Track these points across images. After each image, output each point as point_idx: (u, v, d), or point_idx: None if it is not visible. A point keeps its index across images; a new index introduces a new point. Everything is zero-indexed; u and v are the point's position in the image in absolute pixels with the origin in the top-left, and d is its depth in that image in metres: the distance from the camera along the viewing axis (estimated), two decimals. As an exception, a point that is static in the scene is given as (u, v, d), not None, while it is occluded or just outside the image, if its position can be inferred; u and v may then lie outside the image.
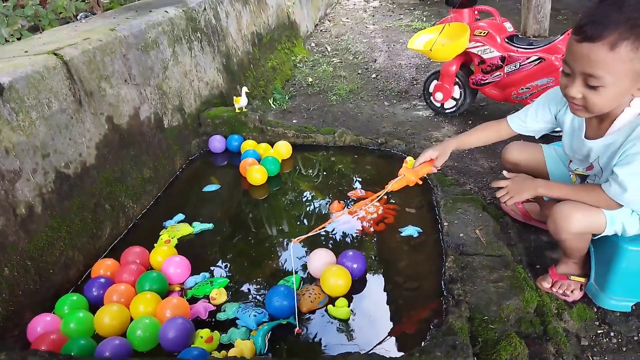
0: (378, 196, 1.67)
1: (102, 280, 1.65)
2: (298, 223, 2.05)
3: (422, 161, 1.66)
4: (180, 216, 2.09)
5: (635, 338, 1.50)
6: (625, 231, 1.45)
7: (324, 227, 1.66)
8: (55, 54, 1.78)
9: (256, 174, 2.30)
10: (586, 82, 1.20)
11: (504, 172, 1.57)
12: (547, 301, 1.57)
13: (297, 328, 1.48)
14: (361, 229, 1.96)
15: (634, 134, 1.26)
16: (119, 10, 2.74)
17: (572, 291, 1.63)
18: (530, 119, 1.61)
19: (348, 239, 1.92)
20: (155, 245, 1.89)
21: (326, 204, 2.14)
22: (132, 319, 1.51)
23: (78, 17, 3.12)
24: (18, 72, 1.60)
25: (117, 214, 1.98)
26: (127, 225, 2.03)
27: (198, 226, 2.01)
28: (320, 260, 1.68)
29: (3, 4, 2.23)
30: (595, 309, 1.60)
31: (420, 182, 1.67)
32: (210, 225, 2.02)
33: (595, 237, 1.53)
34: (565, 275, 1.65)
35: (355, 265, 1.66)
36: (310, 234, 1.62)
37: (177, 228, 1.99)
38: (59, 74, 1.75)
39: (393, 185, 1.65)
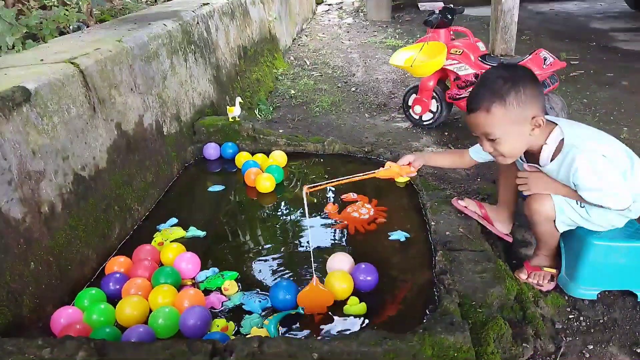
0: (366, 175, 1.89)
1: (118, 275, 1.75)
2: (299, 224, 2.20)
3: (402, 164, 1.97)
4: (174, 220, 2.18)
5: (601, 321, 1.72)
6: (572, 220, 1.70)
7: (335, 183, 1.90)
8: (72, 63, 1.89)
9: (265, 182, 2.39)
10: (488, 139, 1.59)
11: (525, 166, 1.77)
12: (525, 290, 1.78)
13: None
14: (354, 228, 2.11)
15: (565, 164, 1.58)
16: (116, 22, 2.85)
17: (545, 280, 1.84)
18: (484, 152, 1.76)
19: (344, 239, 2.07)
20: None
21: (323, 206, 2.30)
22: (150, 310, 1.62)
23: (71, 28, 3.20)
24: (42, 79, 1.70)
25: (125, 216, 2.08)
26: (133, 227, 2.13)
27: (192, 231, 2.11)
28: (339, 264, 1.78)
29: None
30: (567, 297, 1.82)
31: (402, 179, 1.94)
32: (202, 233, 2.09)
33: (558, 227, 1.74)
34: (538, 267, 1.86)
35: (369, 278, 1.72)
36: (322, 185, 1.88)
37: (170, 231, 2.09)
38: (77, 82, 1.86)
39: (381, 172, 1.91)
